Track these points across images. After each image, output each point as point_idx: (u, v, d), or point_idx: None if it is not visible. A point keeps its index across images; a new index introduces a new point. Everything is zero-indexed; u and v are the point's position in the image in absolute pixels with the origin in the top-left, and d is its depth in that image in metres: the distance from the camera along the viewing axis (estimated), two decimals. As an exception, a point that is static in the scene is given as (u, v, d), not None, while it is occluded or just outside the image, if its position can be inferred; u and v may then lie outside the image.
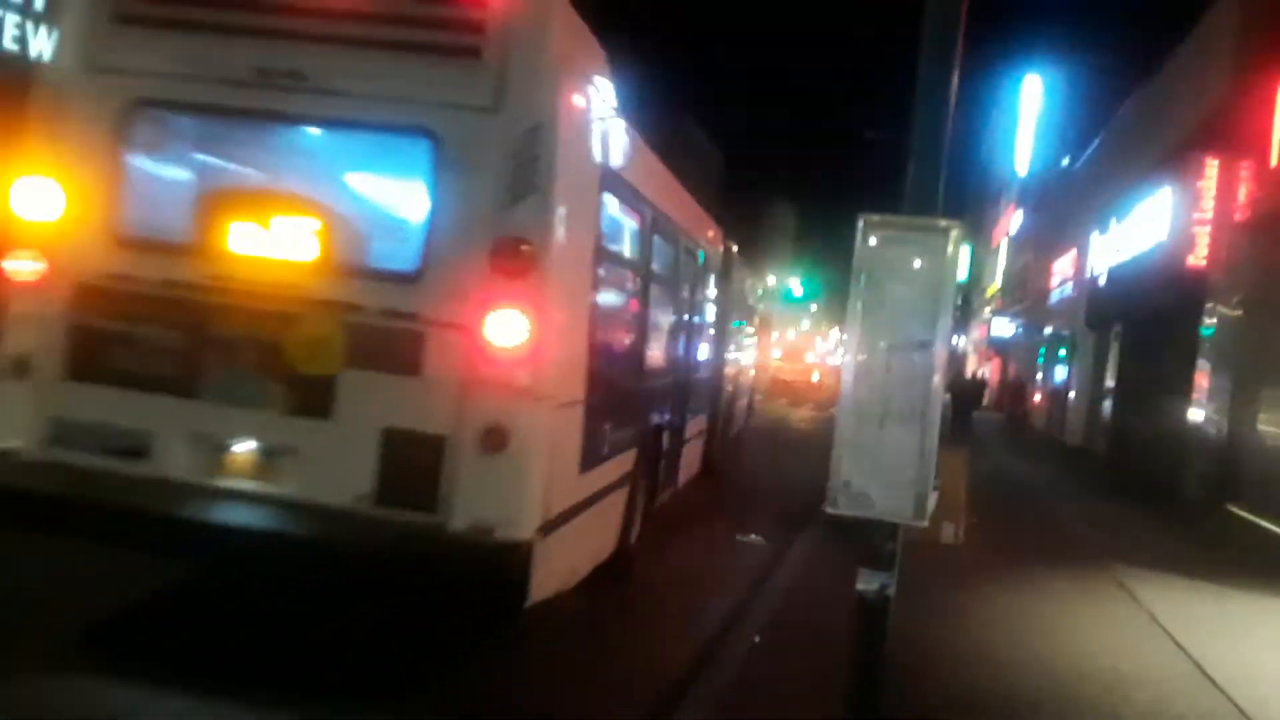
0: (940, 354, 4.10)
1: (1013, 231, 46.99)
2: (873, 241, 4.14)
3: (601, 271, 5.63)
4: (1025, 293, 39.19)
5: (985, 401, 44.16)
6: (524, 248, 4.61)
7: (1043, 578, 9.02)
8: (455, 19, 4.76)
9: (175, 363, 4.84)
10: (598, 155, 5.39)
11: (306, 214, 4.95)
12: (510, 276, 4.62)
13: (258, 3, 4.88)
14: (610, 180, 5.71)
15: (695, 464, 10.46)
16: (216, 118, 5.11)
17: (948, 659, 6.23)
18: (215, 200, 5.21)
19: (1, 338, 5.04)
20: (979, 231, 60.38)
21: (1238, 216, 13.69)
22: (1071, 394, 27.11)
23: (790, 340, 55.20)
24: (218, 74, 4.89)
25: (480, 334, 4.65)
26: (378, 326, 4.72)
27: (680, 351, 9.11)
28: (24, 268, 5.02)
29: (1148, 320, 18.61)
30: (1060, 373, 29.73)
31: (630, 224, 6.66)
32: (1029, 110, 42.19)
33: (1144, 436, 18.26)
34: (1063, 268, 30.15)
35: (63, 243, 5.01)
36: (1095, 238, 24.03)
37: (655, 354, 7.76)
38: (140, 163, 5.20)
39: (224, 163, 5.52)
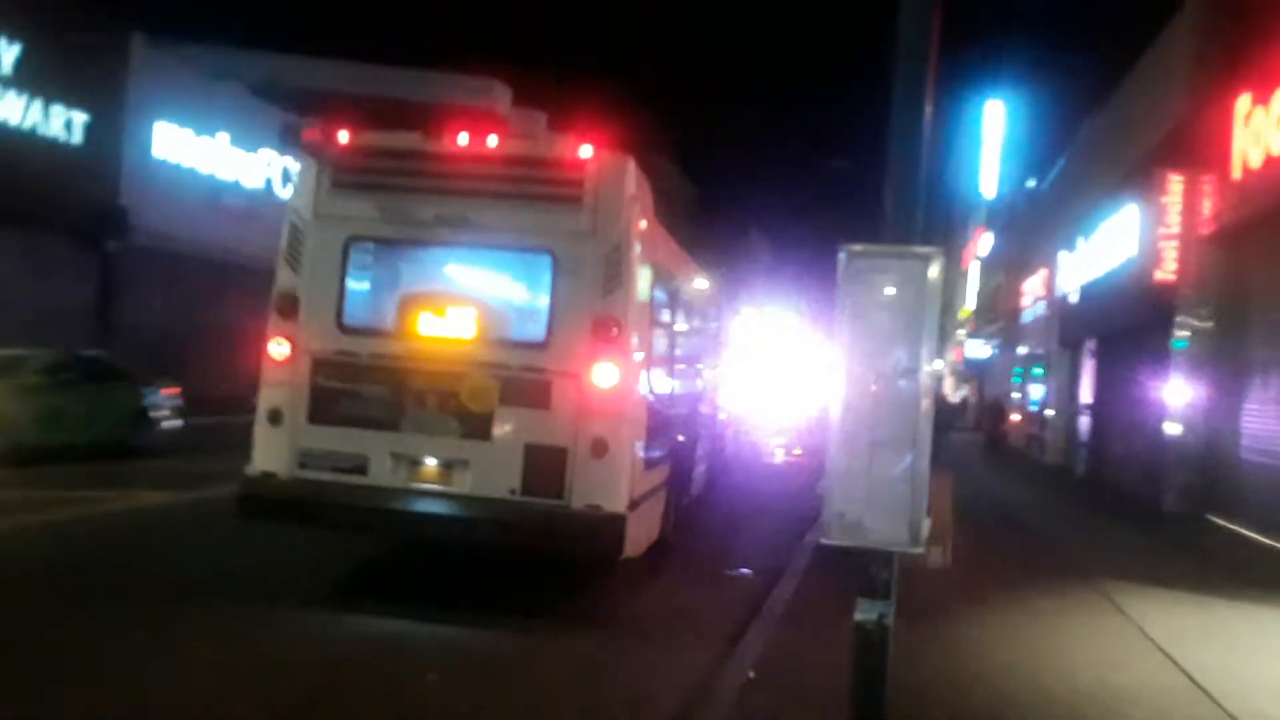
0: (925, 379, 4.18)
1: (983, 254, 47.55)
2: (855, 270, 4.23)
3: (654, 335, 8.58)
4: (998, 314, 39.60)
5: (964, 422, 44.68)
6: (614, 322, 7.57)
7: (1031, 597, 9.08)
8: (565, 179, 7.71)
9: (382, 408, 7.69)
10: (651, 258, 8.28)
11: (469, 306, 7.91)
12: (606, 342, 7.53)
13: (434, 172, 7.88)
14: (657, 273, 8.72)
15: (704, 480, 12.77)
16: (407, 246, 8.10)
17: (942, 685, 6.25)
18: (407, 300, 8.07)
19: (265, 397, 7.89)
20: (949, 255, 61.38)
21: (1203, 230, 13.95)
22: (1048, 412, 27.35)
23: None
24: (407, 219, 7.87)
25: (588, 380, 7.51)
26: (519, 377, 7.58)
27: (695, 390, 11.66)
28: (279, 349, 7.92)
29: (1120, 336, 18.87)
30: (1036, 391, 29.98)
31: (664, 298, 9.37)
32: (993, 134, 42.93)
33: (1122, 451, 18.46)
34: (1033, 287, 30.54)
35: (303, 332, 7.89)
36: (1064, 256, 24.39)
37: (680, 393, 10.39)
38: (355, 277, 8.05)
39: (412, 275, 8.32)
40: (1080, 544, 12.69)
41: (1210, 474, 13.46)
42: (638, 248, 7.86)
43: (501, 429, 7.57)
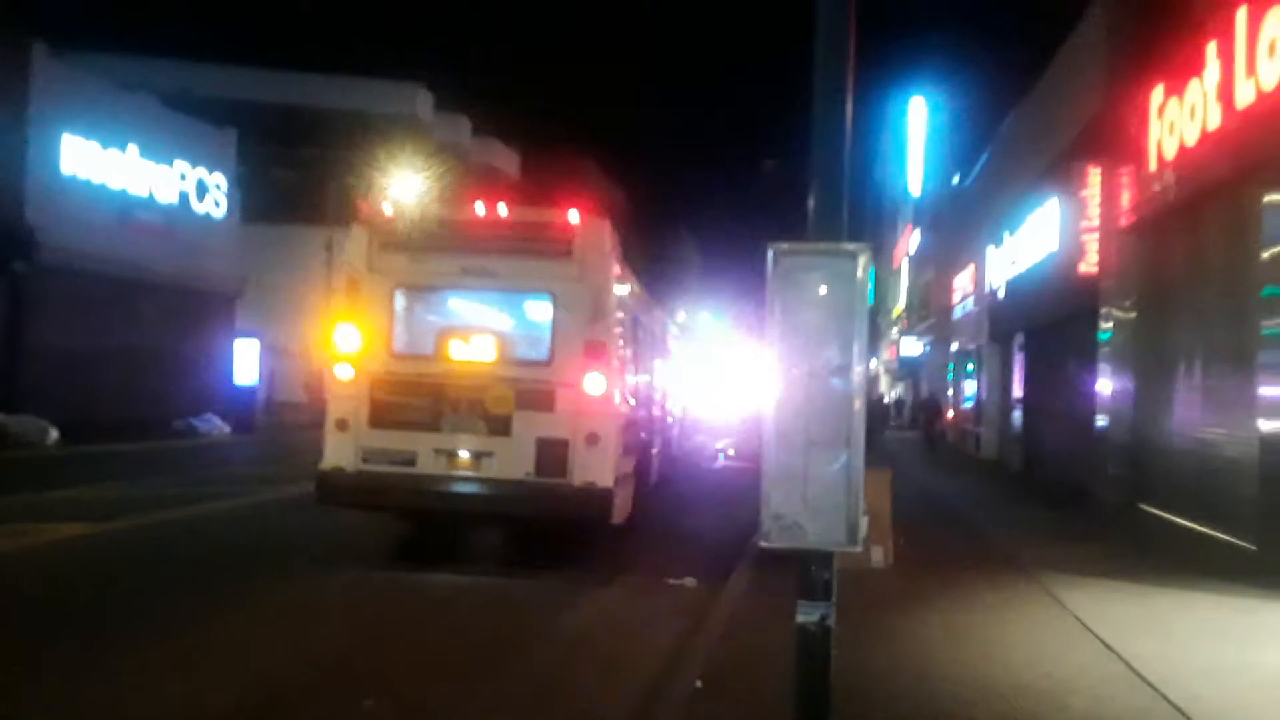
0: (858, 377, 4.18)
1: (912, 251, 48.08)
2: (783, 270, 4.21)
3: (626, 354, 11.64)
4: (930, 311, 40.10)
5: (894, 421, 45.17)
6: (600, 344, 10.45)
7: (973, 592, 9.21)
8: (559, 238, 10.63)
9: (425, 414, 10.43)
10: (622, 294, 11.33)
11: (489, 335, 10.81)
12: (595, 359, 10.38)
13: (459, 234, 10.84)
14: (626, 305, 11.86)
15: (656, 473, 15.18)
16: (441, 291, 11.29)
17: (885, 683, 6.29)
18: (442, 332, 10.92)
19: (333, 408, 10.62)
20: (880, 253, 61.87)
21: (1123, 221, 14.30)
22: (982, 408, 27.81)
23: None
24: (441, 272, 10.89)
25: (582, 388, 10.30)
26: (530, 388, 10.35)
27: (652, 396, 14.91)
28: (344, 372, 10.62)
29: (1048, 329, 19.26)
30: (970, 387, 30.45)
31: (631, 325, 12.48)
32: (917, 131, 43.50)
33: (1055, 444, 18.84)
34: (963, 283, 31.03)
35: (362, 358, 10.61)
36: (991, 251, 24.84)
37: (643, 399, 13.58)
38: (401, 316, 10.94)
39: (445, 313, 11.42)
40: (1018, 538, 12.91)
41: (1141, 463, 13.79)
42: (614, 287, 10.94)
43: (518, 427, 10.37)
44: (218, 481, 17.05)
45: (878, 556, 9.40)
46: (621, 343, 11.31)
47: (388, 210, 11.14)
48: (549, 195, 11.08)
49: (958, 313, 32.23)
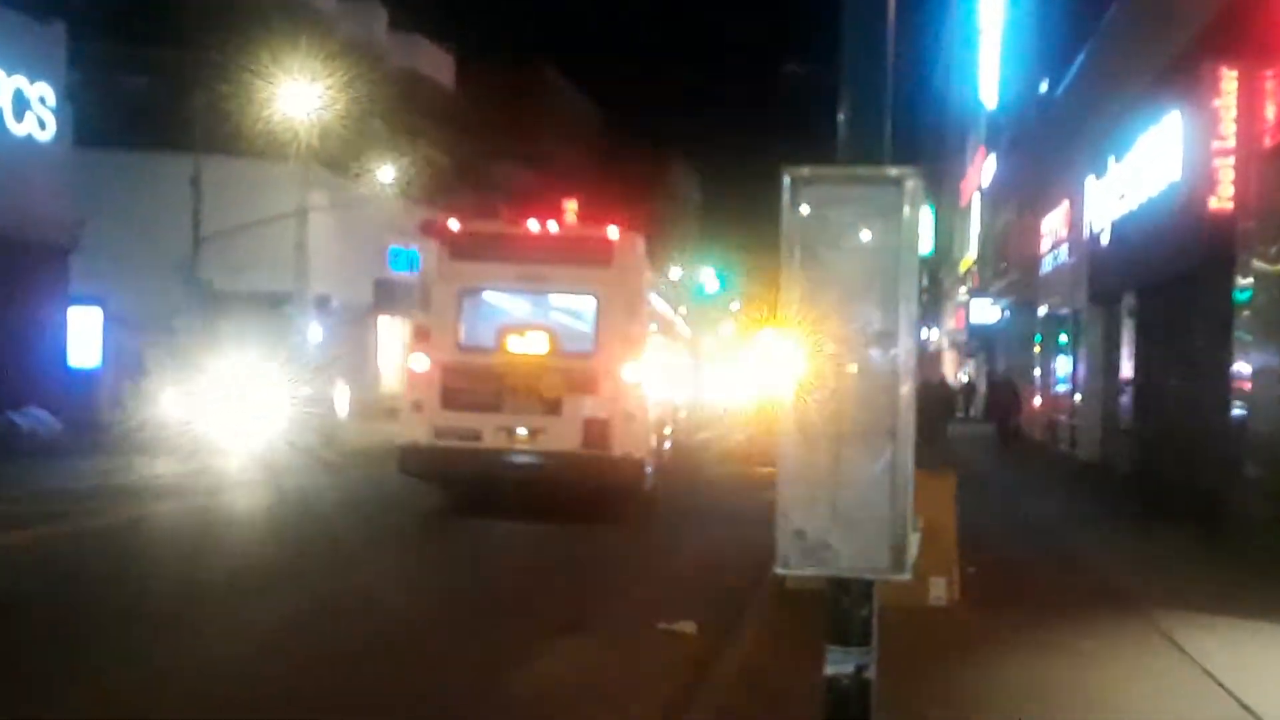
0: (907, 348, 4.22)
1: (985, 183, 47.46)
2: (805, 206, 4.23)
3: (655, 347, 18.71)
4: (1009, 264, 39.84)
5: (965, 411, 45.22)
6: (635, 339, 17.04)
7: (1067, 638, 9.28)
8: (601, 250, 17.10)
9: (489, 397, 16.49)
10: (651, 296, 19.21)
11: (543, 331, 17.00)
12: (631, 350, 16.88)
13: (517, 249, 17.09)
14: (654, 305, 19.90)
15: (670, 453, 21.20)
16: (501, 294, 17.54)
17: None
18: (503, 328, 16.93)
19: (410, 392, 17.11)
20: (942, 187, 61.30)
21: (1268, 141, 14.25)
22: (1078, 395, 27.85)
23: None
24: (501, 277, 17.27)
25: (621, 375, 16.61)
26: (577, 375, 16.49)
27: (670, 384, 21.27)
28: (419, 362, 16.97)
29: (1167, 287, 19.27)
30: (1062, 366, 30.40)
31: (658, 322, 20.02)
32: (991, 24, 43.02)
33: (1175, 440, 18.90)
34: (1054, 226, 30.87)
35: (434, 349, 16.92)
36: (1091, 183, 24.81)
37: (664, 386, 19.83)
38: (467, 315, 17.13)
39: (505, 312, 17.37)
40: (1125, 563, 13.02)
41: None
42: (646, 291, 17.90)
43: (567, 408, 16.25)
44: (31, 499, 17.15)
45: (937, 590, 9.50)
46: (653, 339, 18.04)
47: (455, 225, 17.35)
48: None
49: (1046, 266, 32.08)
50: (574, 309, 17.37)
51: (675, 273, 58.62)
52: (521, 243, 16.99)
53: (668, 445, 20.81)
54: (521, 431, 16.29)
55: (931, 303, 65.31)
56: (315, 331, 39.35)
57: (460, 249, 17.02)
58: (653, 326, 18.51)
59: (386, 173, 41.74)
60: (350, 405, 37.57)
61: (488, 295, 17.44)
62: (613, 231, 17.02)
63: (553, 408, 16.26)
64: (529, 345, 16.70)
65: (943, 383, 33.49)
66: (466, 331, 16.96)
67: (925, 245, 53.30)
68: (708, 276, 72.53)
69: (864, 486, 4.18)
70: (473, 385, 16.41)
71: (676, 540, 15.69)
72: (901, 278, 4.20)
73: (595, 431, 16.16)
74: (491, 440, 16.30)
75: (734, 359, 52.82)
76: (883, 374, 4.21)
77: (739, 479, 23.30)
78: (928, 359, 48.12)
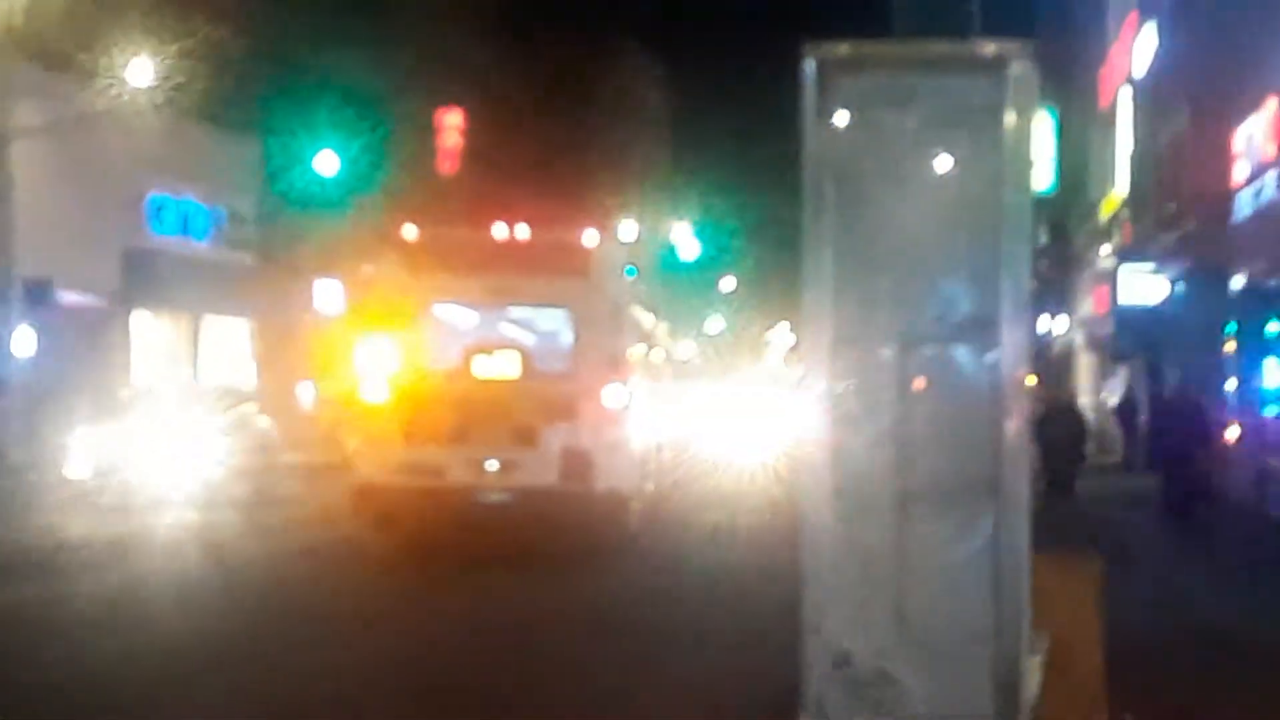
0: (1015, 348, 3.02)
1: (1140, 72, 33.17)
2: (842, 112, 3.00)
3: (640, 367, 18.36)
4: (1182, 206, 28.28)
5: (1097, 449, 29.92)
6: (617, 357, 15.95)
7: None
8: (577, 257, 16.15)
9: (454, 427, 15.24)
10: (635, 308, 18.78)
11: (514, 350, 15.86)
12: (614, 371, 15.77)
13: (484, 258, 16.04)
14: (639, 318, 19.13)
15: (654, 489, 19.80)
16: (466, 309, 16.58)
17: None
18: (469, 348, 15.73)
19: (362, 424, 16.31)
20: (1068, 79, 39.87)
21: None
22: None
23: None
24: (466, 291, 16.03)
25: (602, 399, 15.37)
26: (553, 400, 15.21)
27: (654, 410, 20.19)
28: (372, 388, 15.62)
29: None
30: (1276, 373, 20.99)
31: (643, 337, 19.23)
32: None
33: None
34: (1254, 141, 21.65)
35: (391, 374, 15.53)
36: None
37: (648, 413, 18.85)
38: (428, 334, 16.11)
39: (471, 330, 16.39)
40: None
41: None
42: (629, 303, 17.48)
43: (543, 437, 15.07)
44: None
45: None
46: (638, 357, 17.87)
47: (412, 233, 16.46)
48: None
49: (1244, 207, 22.07)
50: (548, 325, 16.50)
51: (627, 229, 39.77)
52: (487, 251, 16.25)
53: (650, 486, 19.48)
54: (492, 465, 15.16)
55: (1054, 272, 41.16)
56: (26, 339, 27.22)
57: (417, 259, 15.98)
58: (637, 344, 17.99)
59: (142, 69, 27.51)
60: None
61: (451, 311, 16.58)
62: (590, 236, 16.48)
63: (526, 437, 15.19)
64: (498, 367, 15.63)
65: (1072, 405, 24.02)
66: (427, 352, 15.86)
67: (1042, 177, 34.66)
68: (681, 236, 47.51)
69: (948, 579, 3.10)
70: (435, 413, 15.18)
71: (671, 614, 12.52)
72: (1005, 230, 3.01)
73: (575, 464, 15.02)
74: (458, 476, 15.12)
75: (728, 373, 40.25)
76: (975, 391, 3.09)
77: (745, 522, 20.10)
78: (1051, 367, 37.85)
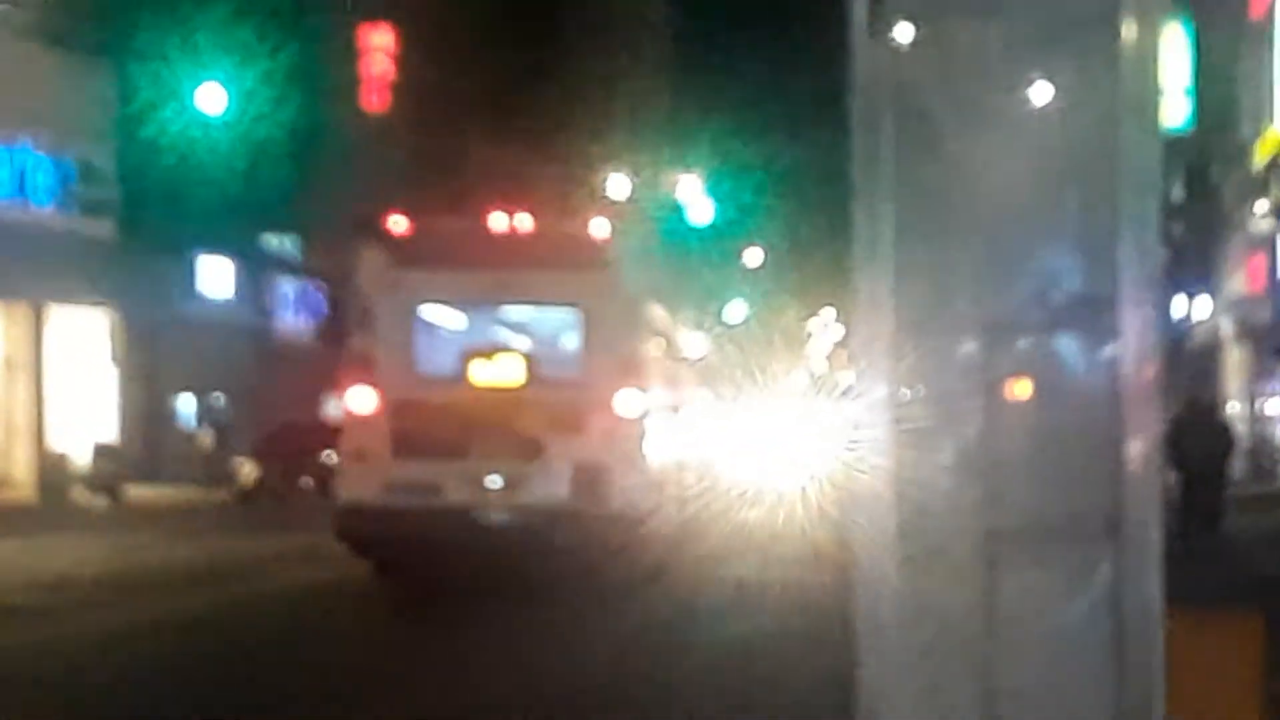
0: (1140, 335, 3.11)
1: None
2: (904, 25, 3.11)
3: (658, 373, 21.21)
4: None
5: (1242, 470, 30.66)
6: (636, 359, 18.67)
7: None
8: (587, 249, 18.73)
9: (452, 440, 17.82)
10: (654, 304, 21.94)
11: (517, 355, 18.85)
12: (629, 377, 18.38)
13: (483, 252, 18.59)
14: (657, 317, 22.36)
15: (675, 508, 22.43)
16: (464, 309, 19.74)
17: None
18: (467, 352, 18.63)
19: (351, 439, 19.23)
20: None
21: None
22: None
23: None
24: (463, 288, 19.02)
25: (616, 408, 18.16)
26: (563, 408, 18.25)
27: (675, 424, 22.93)
28: (360, 398, 18.37)
29: None
30: None
31: (662, 339, 22.42)
32: None
33: None
34: None
35: (380, 382, 18.36)
36: None
37: (669, 426, 21.69)
38: (422, 337, 19.18)
39: (470, 332, 19.58)
40: None
41: None
42: (646, 299, 19.18)
43: (550, 451, 17.32)
44: None
45: None
46: (657, 362, 19.76)
47: (401, 224, 18.17)
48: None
49: None
50: (554, 325, 18.90)
51: (616, 184, 42.40)
52: (487, 243, 18.28)
53: (670, 508, 21.60)
54: (493, 482, 17.36)
55: (1193, 238, 41.48)
56: None
57: (408, 254, 17.96)
58: (656, 344, 20.43)
59: None
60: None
61: (447, 311, 18.93)
62: (601, 226, 18.61)
63: (531, 451, 17.44)
64: (501, 372, 17.99)
65: (1217, 414, 24.96)
66: (421, 358, 18.18)
67: (1175, 110, 35.96)
68: (690, 193, 47.71)
69: (1053, 648, 3.16)
70: (431, 425, 17.32)
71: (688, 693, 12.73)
72: (1124, 182, 3.07)
73: (586, 480, 17.33)
74: (456, 494, 17.32)
75: (754, 375, 38.63)
76: (1087, 395, 3.14)
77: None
78: (1190, 363, 38.05)
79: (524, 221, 18.35)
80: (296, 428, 37.23)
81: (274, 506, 34.61)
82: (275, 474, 35.75)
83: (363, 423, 17.59)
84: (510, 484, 17.19)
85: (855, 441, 3.27)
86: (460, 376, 17.71)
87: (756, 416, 34.84)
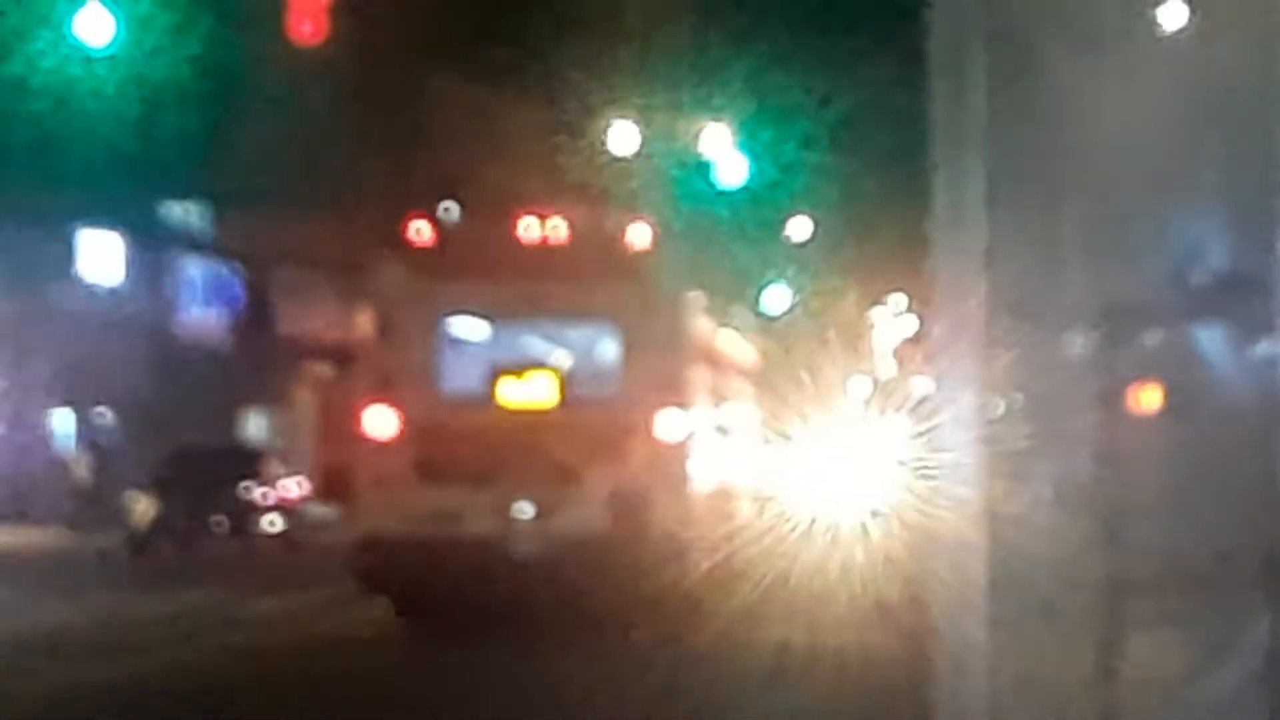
0: None
1: None
2: None
3: (704, 386, 29.21)
4: None
5: None
6: (679, 377, 24.99)
7: None
8: (623, 257, 24.46)
9: (478, 465, 23.13)
10: (697, 316, 28.91)
11: (550, 372, 24.84)
12: (674, 392, 25.07)
13: (513, 261, 23.89)
14: (697, 331, 29.51)
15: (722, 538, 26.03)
16: (492, 323, 25.41)
17: None
18: (496, 369, 24.43)
19: (368, 463, 25.01)
20: None
21: None
22: None
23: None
24: (491, 300, 24.31)
25: (657, 430, 24.75)
26: (598, 431, 24.04)
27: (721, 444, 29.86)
28: (379, 418, 23.72)
29: None
30: None
31: (706, 354, 29.10)
32: None
33: None
34: None
35: (400, 401, 23.98)
36: None
37: (714, 441, 29.49)
38: (445, 353, 24.79)
39: (498, 348, 25.47)
40: None
41: None
42: (688, 311, 23.72)
43: (588, 476, 21.15)
44: None
45: None
46: (702, 379, 21.29)
47: (424, 231, 20.17)
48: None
49: None
50: (590, 341, 22.00)
51: (627, 135, 41.87)
52: (516, 252, 21.14)
53: (716, 538, 24.43)
54: (523, 510, 20.14)
55: None
56: None
57: (432, 263, 20.75)
58: (699, 354, 23.60)
59: None
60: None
61: (469, 326, 21.20)
62: (640, 232, 21.26)
63: (566, 477, 20.49)
64: (531, 392, 21.01)
65: None
66: (445, 376, 21.05)
67: None
68: (718, 147, 45.66)
69: None
70: (455, 449, 20.18)
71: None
72: None
73: (625, 510, 20.37)
74: (481, 524, 19.93)
75: (802, 380, 38.10)
76: (1236, 404, 3.12)
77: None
78: None
79: (557, 228, 20.75)
80: (205, 452, 37.37)
81: (176, 554, 34.81)
82: (177, 512, 35.74)
83: (381, 447, 19.68)
84: (541, 513, 19.46)
85: (933, 467, 3.28)
86: (487, 396, 20.28)
87: (806, 434, 33.67)
